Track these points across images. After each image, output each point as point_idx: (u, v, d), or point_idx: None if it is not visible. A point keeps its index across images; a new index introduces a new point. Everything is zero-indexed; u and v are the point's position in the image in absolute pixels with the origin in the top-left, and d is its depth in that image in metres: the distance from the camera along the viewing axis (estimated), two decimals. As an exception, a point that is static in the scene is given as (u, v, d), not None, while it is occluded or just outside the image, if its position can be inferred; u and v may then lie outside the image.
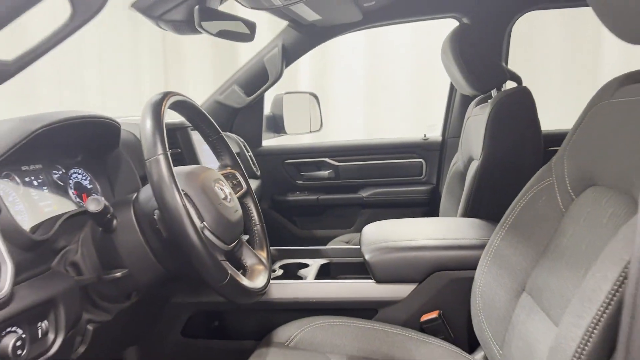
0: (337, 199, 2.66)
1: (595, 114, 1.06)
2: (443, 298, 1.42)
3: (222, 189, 1.14)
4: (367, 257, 1.47)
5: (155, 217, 1.03)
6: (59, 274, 1.00)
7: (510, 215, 1.22)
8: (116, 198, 1.28)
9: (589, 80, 3.42)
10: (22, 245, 0.91)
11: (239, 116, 2.42)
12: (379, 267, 1.45)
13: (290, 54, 2.29)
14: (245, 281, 1.07)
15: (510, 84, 2.01)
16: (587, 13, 0.94)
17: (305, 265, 1.65)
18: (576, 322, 0.77)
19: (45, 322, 0.92)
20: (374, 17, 2.24)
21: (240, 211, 1.19)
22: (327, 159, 2.63)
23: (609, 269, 0.75)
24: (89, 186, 1.25)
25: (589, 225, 0.95)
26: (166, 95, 1.08)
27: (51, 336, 0.94)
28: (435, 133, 2.67)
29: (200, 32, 1.56)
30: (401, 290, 1.43)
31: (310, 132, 2.63)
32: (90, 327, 1.07)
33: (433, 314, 1.41)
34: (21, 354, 0.85)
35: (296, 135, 2.68)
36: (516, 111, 1.78)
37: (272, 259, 1.64)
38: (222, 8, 1.66)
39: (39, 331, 0.91)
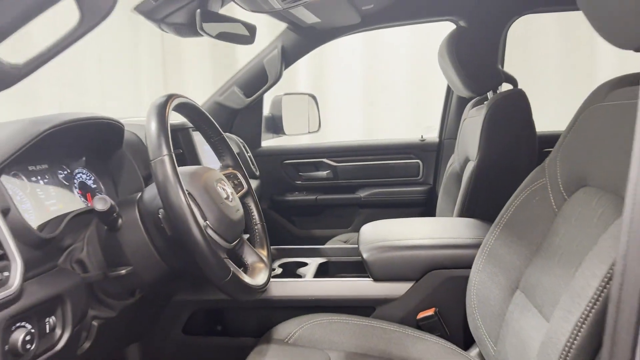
0: (336, 199, 2.67)
1: (588, 116, 1.08)
2: (439, 296, 1.44)
3: (224, 189, 1.17)
4: (365, 256, 1.49)
5: (159, 216, 1.05)
6: (65, 271, 1.03)
7: (505, 215, 1.25)
8: (120, 197, 1.30)
9: (585, 82, 3.45)
10: (30, 243, 0.94)
11: (239, 117, 2.43)
12: (377, 266, 1.47)
13: (289, 55, 2.30)
14: (246, 278, 1.10)
15: (506, 86, 2.04)
16: (582, 16, 0.97)
17: (304, 264, 1.67)
18: (566, 318, 0.80)
19: (53, 317, 0.95)
20: (372, 19, 2.26)
21: (241, 210, 1.22)
22: (325, 160, 2.65)
23: (597, 266, 0.78)
24: (93, 186, 1.28)
25: (580, 225, 0.97)
26: (170, 97, 1.11)
27: (58, 331, 0.96)
28: (432, 134, 2.68)
29: (202, 35, 1.59)
30: (398, 289, 1.46)
31: (309, 132, 2.65)
32: (95, 323, 1.10)
33: (429, 312, 1.43)
34: (30, 348, 0.87)
35: (295, 136, 2.69)
36: (511, 113, 1.80)
37: (272, 258, 1.66)
38: (223, 11, 1.69)
39: (47, 326, 0.93)
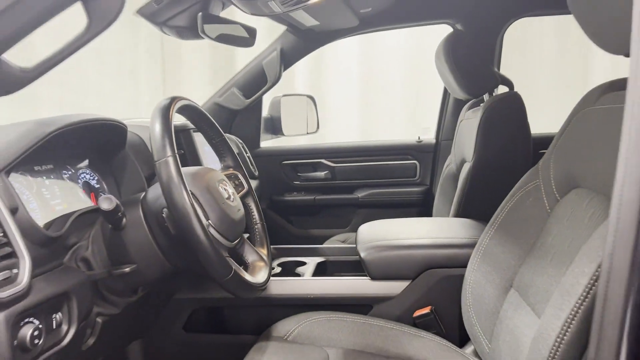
0: (334, 199, 2.69)
1: (580, 119, 1.11)
2: (435, 294, 1.46)
3: (225, 189, 1.19)
4: (362, 255, 1.52)
5: (163, 215, 1.08)
6: (71, 269, 1.05)
7: (499, 215, 1.27)
8: (122, 197, 1.33)
9: (580, 85, 3.48)
10: (37, 241, 0.96)
11: (238, 118, 2.44)
12: (374, 265, 1.50)
13: (288, 57, 2.32)
14: (247, 276, 1.12)
15: (502, 89, 2.06)
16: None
17: (303, 263, 1.69)
18: (556, 314, 0.83)
19: (60, 314, 0.97)
20: (370, 22, 2.27)
21: (242, 210, 1.24)
22: (323, 160, 2.67)
23: (586, 265, 0.81)
24: (97, 186, 1.30)
25: (572, 225, 1.00)
26: (174, 99, 1.13)
27: (64, 327, 0.98)
28: (429, 135, 2.70)
29: (203, 38, 1.61)
30: (395, 287, 1.48)
31: (307, 133, 2.66)
32: (99, 319, 1.12)
33: (425, 310, 1.45)
34: (38, 343, 0.89)
35: (293, 137, 2.70)
36: (507, 115, 1.83)
37: (272, 257, 1.69)
38: (223, 14, 1.71)
39: (54, 322, 0.95)
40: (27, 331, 0.87)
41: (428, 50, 2.38)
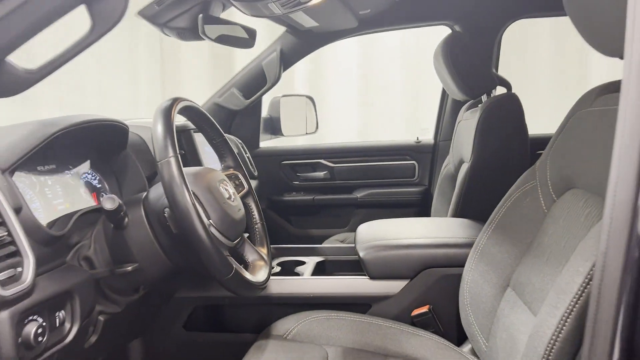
0: (333, 199, 2.70)
1: (576, 121, 1.12)
2: (433, 293, 1.48)
3: (226, 189, 1.21)
4: (361, 254, 1.53)
5: (165, 214, 1.09)
6: (74, 267, 1.07)
7: (497, 215, 1.29)
8: (124, 197, 1.34)
9: (578, 87, 3.50)
10: (40, 241, 0.98)
11: (237, 118, 2.45)
12: (373, 264, 1.51)
13: (287, 58, 2.33)
14: (248, 275, 1.13)
15: (500, 90, 2.08)
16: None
17: (302, 263, 1.70)
18: (552, 312, 0.84)
19: (63, 312, 0.98)
20: (369, 24, 2.29)
21: (243, 210, 1.25)
22: (322, 161, 2.68)
23: (580, 264, 0.83)
24: (98, 185, 1.31)
25: (568, 225, 1.01)
26: (175, 101, 1.14)
27: (67, 325, 0.99)
28: (427, 136, 2.71)
29: (204, 39, 1.62)
30: (393, 286, 1.49)
31: (307, 134, 2.67)
32: (101, 318, 1.13)
33: (423, 309, 1.47)
34: (42, 340, 0.90)
35: (292, 137, 2.72)
36: (504, 116, 1.84)
37: (271, 256, 1.70)
38: (224, 15, 1.72)
39: (57, 320, 0.97)
40: (31, 329, 0.88)
41: (426, 51, 2.40)
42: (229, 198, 1.19)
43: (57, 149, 1.16)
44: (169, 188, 1.00)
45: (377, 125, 3.91)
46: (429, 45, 2.26)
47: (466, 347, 1.38)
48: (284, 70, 2.36)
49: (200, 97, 2.46)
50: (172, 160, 1.01)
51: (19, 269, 0.88)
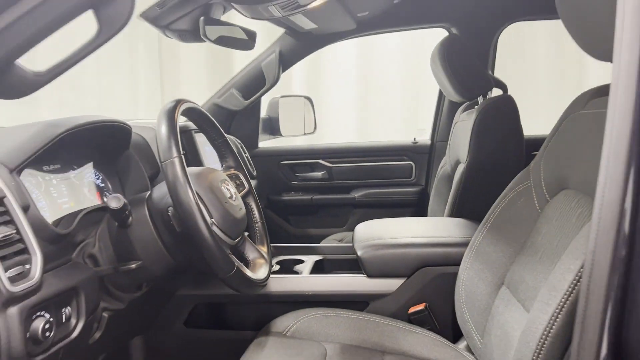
0: (331, 199, 2.72)
1: (569, 123, 1.14)
2: (429, 292, 1.50)
3: (228, 189, 1.23)
4: (359, 253, 1.55)
5: (169, 213, 1.11)
6: (79, 265, 1.09)
7: (492, 215, 1.31)
8: (127, 196, 1.36)
9: (574, 88, 3.52)
10: (47, 238, 1.00)
11: (237, 118, 2.46)
12: (370, 263, 1.53)
13: (286, 60, 2.35)
14: (249, 273, 1.16)
15: (497, 91, 2.10)
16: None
17: (301, 262, 1.73)
18: (543, 309, 0.87)
19: (69, 308, 1.01)
20: (367, 26, 2.31)
21: (244, 209, 1.28)
22: (321, 161, 2.70)
23: (571, 262, 0.85)
24: (102, 185, 1.34)
25: (560, 225, 1.04)
26: (179, 102, 1.16)
27: (73, 321, 1.02)
28: (424, 137, 2.73)
29: (205, 41, 1.65)
30: (391, 284, 1.52)
31: (305, 134, 2.68)
32: (105, 314, 1.16)
33: (420, 307, 1.49)
34: (49, 335, 0.93)
35: (291, 137, 2.73)
36: (500, 118, 1.86)
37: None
38: (224, 18, 1.75)
39: (63, 316, 0.99)
40: (38, 324, 0.90)
41: (424, 53, 2.42)
42: (231, 197, 1.22)
43: (61, 149, 1.18)
44: (173, 188, 1.02)
45: (375, 126, 3.93)
46: (426, 47, 2.28)
47: (462, 344, 1.40)
48: (283, 71, 2.38)
49: (199, 97, 2.47)
50: (176, 161, 1.03)
51: (27, 266, 0.90)
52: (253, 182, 2.23)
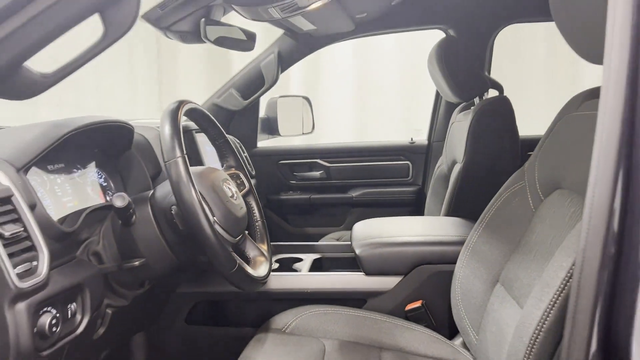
0: (328, 198, 2.74)
1: (563, 124, 1.17)
2: (426, 289, 1.52)
3: (229, 188, 1.25)
4: (357, 251, 1.57)
5: (172, 212, 1.14)
6: (83, 262, 1.11)
7: (487, 214, 1.33)
8: (129, 195, 1.38)
9: (570, 89, 3.53)
10: (53, 236, 1.02)
11: (235, 118, 2.47)
12: (368, 261, 1.56)
13: (285, 60, 2.36)
14: (250, 270, 1.18)
15: (493, 92, 2.12)
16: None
17: (299, 260, 1.75)
18: (537, 305, 0.89)
19: (74, 304, 1.03)
20: (365, 27, 2.33)
21: (244, 208, 1.30)
22: (319, 160, 2.72)
23: (564, 260, 0.88)
24: (104, 184, 1.36)
25: (554, 224, 1.06)
26: (181, 103, 1.19)
27: (79, 317, 1.04)
28: (421, 137, 2.75)
29: (205, 42, 1.67)
30: (388, 282, 1.54)
31: (303, 134, 2.70)
32: (109, 311, 1.18)
33: (417, 304, 1.51)
34: (55, 331, 0.95)
35: (289, 137, 2.74)
36: (496, 118, 1.88)
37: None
38: (224, 19, 1.77)
39: (69, 312, 1.01)
40: (45, 319, 0.92)
41: (421, 54, 2.43)
42: (232, 196, 1.24)
43: (65, 149, 1.20)
44: (177, 187, 1.04)
45: (372, 126, 3.95)
46: (424, 48, 2.30)
47: (457, 341, 1.43)
48: (282, 71, 2.39)
49: (197, 97, 2.48)
50: (180, 161, 1.05)
51: (35, 263, 0.92)
52: (252, 182, 2.25)
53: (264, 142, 2.74)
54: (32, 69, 0.93)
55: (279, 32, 2.33)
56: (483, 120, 1.86)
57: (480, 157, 1.86)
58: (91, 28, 0.93)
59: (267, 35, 2.36)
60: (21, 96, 0.95)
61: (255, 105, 2.51)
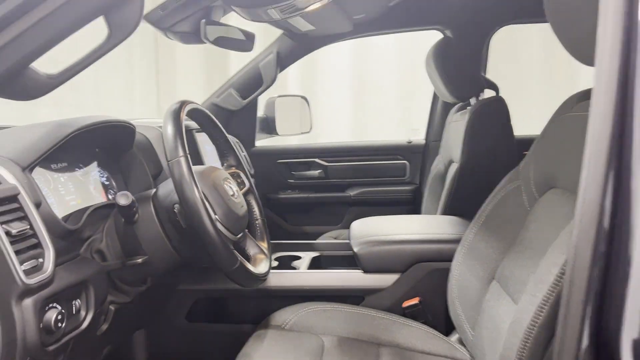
0: (326, 197, 2.75)
1: (557, 125, 1.18)
2: (423, 286, 1.55)
3: (230, 187, 1.27)
4: (355, 249, 1.60)
5: (175, 210, 1.16)
6: (87, 259, 1.13)
7: (483, 212, 1.35)
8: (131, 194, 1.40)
9: (567, 90, 3.55)
10: (58, 234, 1.04)
11: (234, 118, 2.48)
12: (366, 259, 1.58)
13: (284, 60, 2.38)
14: (251, 267, 1.20)
15: (489, 93, 2.14)
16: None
17: (298, 258, 1.76)
18: (531, 301, 0.92)
19: (79, 300, 1.04)
20: (363, 28, 2.34)
21: (245, 206, 1.32)
22: (317, 160, 2.73)
23: (557, 256, 0.90)
24: (106, 183, 1.38)
25: (548, 222, 1.08)
26: (183, 103, 1.20)
27: (83, 313, 1.06)
28: (418, 137, 2.77)
29: (205, 42, 1.69)
30: (386, 280, 1.56)
31: (301, 133, 2.71)
32: (112, 307, 1.20)
33: (414, 301, 1.54)
34: (61, 326, 0.97)
35: (287, 136, 2.76)
36: (492, 119, 1.91)
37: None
38: (224, 20, 1.79)
39: (74, 308, 1.03)
40: (51, 315, 0.94)
41: (418, 55, 2.45)
42: (233, 195, 1.26)
43: (68, 148, 1.21)
44: (180, 185, 1.06)
45: (370, 126, 3.96)
46: (421, 49, 2.32)
47: (454, 337, 1.44)
48: (280, 71, 2.40)
49: (195, 96, 2.48)
50: (182, 160, 1.07)
51: (41, 260, 0.94)
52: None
53: (262, 142, 2.75)
54: (38, 70, 0.95)
55: (278, 32, 2.34)
56: (479, 120, 1.88)
57: (476, 156, 1.88)
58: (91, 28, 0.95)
59: (266, 35, 2.38)
60: (27, 97, 0.97)
61: (253, 104, 2.52)
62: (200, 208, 1.06)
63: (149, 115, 3.95)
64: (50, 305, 0.96)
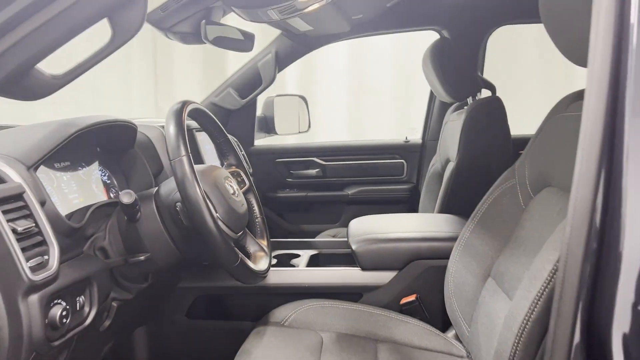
0: (325, 196, 2.78)
1: (552, 124, 1.20)
2: (420, 283, 1.56)
3: (230, 185, 1.29)
4: (354, 247, 1.61)
5: (177, 208, 1.18)
6: (90, 257, 1.15)
7: (479, 211, 1.37)
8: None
9: (565, 91, 3.57)
10: (62, 232, 1.06)
11: (233, 117, 2.50)
12: (364, 256, 1.60)
13: (282, 60, 2.39)
14: (251, 264, 1.22)
15: (485, 92, 2.16)
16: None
17: (297, 256, 1.78)
18: (525, 296, 0.94)
19: (83, 297, 1.06)
20: (361, 28, 2.36)
21: (245, 205, 1.34)
22: (315, 159, 2.75)
23: (551, 253, 0.92)
24: (108, 181, 1.39)
25: (542, 220, 1.10)
26: (185, 103, 1.22)
27: (87, 309, 1.08)
28: (415, 136, 2.79)
29: (205, 43, 1.70)
30: (383, 277, 1.58)
31: (299, 132, 2.72)
32: (114, 304, 1.22)
33: (411, 298, 1.56)
34: (66, 322, 0.98)
35: (286, 136, 2.77)
36: (488, 118, 1.92)
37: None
38: (223, 20, 1.80)
39: (78, 304, 1.05)
40: (56, 311, 0.96)
41: (416, 54, 2.47)
42: (233, 194, 1.28)
43: (71, 147, 1.23)
44: (182, 184, 1.08)
45: (368, 125, 3.98)
46: (418, 49, 2.33)
47: (450, 333, 1.47)
48: (279, 71, 2.42)
49: (193, 96, 2.49)
50: (184, 159, 1.09)
51: (46, 257, 0.95)
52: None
53: (261, 141, 2.77)
54: (43, 71, 0.97)
55: (276, 32, 2.36)
56: (476, 119, 1.89)
57: (472, 155, 1.89)
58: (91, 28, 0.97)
59: (265, 35, 2.40)
60: (32, 97, 0.99)
61: (252, 104, 2.53)
62: (202, 206, 1.07)
63: (147, 114, 3.97)
64: (55, 301, 0.98)
